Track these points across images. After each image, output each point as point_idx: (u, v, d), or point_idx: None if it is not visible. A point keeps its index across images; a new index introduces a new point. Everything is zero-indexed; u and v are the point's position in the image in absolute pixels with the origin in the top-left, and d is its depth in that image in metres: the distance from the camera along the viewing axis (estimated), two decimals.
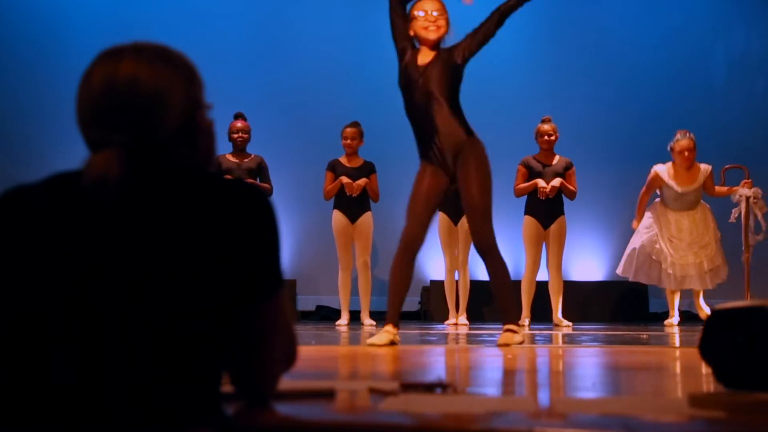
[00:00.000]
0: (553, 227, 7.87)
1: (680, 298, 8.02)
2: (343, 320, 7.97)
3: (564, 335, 6.16)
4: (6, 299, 1.40)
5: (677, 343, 5.31)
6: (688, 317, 8.43)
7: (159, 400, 1.35)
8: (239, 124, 7.88)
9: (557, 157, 7.97)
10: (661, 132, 8.15)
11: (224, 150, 7.83)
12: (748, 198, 7.68)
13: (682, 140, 7.79)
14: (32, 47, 9.42)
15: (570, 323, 7.79)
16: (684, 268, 7.77)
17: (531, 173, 7.88)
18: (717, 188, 7.92)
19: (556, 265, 7.91)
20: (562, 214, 7.91)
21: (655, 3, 9.97)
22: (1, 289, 1.41)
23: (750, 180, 7.78)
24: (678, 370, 3.34)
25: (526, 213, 7.90)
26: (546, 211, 7.84)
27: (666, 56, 9.82)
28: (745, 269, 7.64)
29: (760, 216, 7.66)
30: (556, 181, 7.79)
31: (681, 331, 6.83)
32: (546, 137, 7.89)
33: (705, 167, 7.89)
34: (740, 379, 1.86)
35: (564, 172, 7.89)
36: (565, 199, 7.94)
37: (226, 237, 1.41)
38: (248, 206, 1.45)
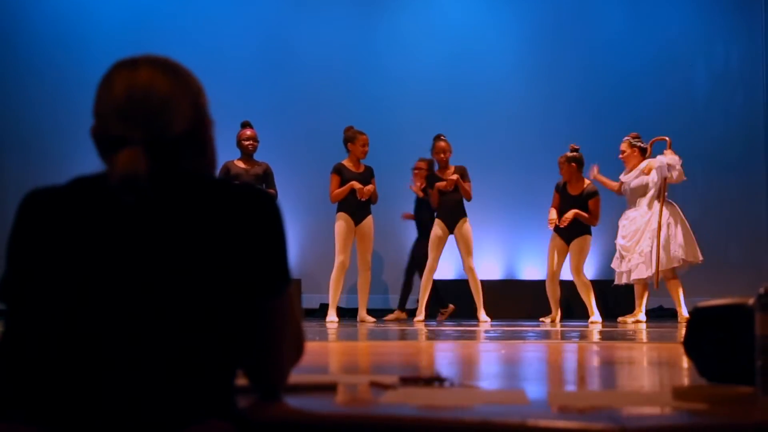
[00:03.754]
0: (576, 241, 7.97)
1: (648, 296, 8.01)
2: (332, 317, 7.77)
3: (562, 332, 6.16)
4: (30, 295, 1.41)
5: (658, 339, 5.31)
6: (654, 315, 8.48)
7: (174, 393, 1.36)
8: (249, 132, 7.79)
9: (586, 182, 8.03)
10: (649, 140, 8.14)
11: (230, 156, 7.77)
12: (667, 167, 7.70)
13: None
14: (49, 63, 9.48)
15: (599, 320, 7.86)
16: (634, 258, 7.83)
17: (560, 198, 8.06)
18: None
19: (577, 271, 7.99)
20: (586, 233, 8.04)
21: (643, 23, 10.04)
22: (27, 284, 1.42)
23: (671, 149, 7.83)
24: (662, 364, 3.34)
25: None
26: (569, 229, 7.96)
27: (653, 72, 9.92)
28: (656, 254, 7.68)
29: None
30: (570, 213, 7.89)
31: (661, 327, 6.82)
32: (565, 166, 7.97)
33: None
34: (721, 373, 1.85)
35: (587, 200, 7.95)
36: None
37: (238, 236, 1.45)
38: (257, 208, 1.48)
